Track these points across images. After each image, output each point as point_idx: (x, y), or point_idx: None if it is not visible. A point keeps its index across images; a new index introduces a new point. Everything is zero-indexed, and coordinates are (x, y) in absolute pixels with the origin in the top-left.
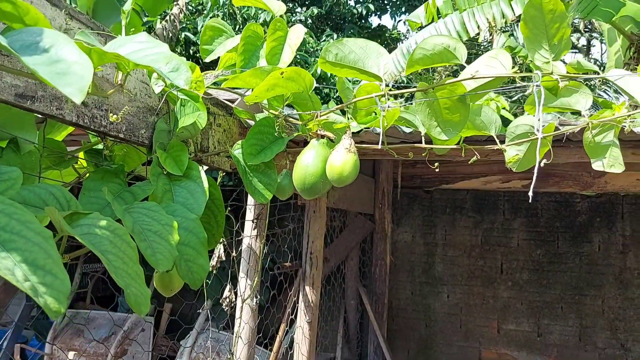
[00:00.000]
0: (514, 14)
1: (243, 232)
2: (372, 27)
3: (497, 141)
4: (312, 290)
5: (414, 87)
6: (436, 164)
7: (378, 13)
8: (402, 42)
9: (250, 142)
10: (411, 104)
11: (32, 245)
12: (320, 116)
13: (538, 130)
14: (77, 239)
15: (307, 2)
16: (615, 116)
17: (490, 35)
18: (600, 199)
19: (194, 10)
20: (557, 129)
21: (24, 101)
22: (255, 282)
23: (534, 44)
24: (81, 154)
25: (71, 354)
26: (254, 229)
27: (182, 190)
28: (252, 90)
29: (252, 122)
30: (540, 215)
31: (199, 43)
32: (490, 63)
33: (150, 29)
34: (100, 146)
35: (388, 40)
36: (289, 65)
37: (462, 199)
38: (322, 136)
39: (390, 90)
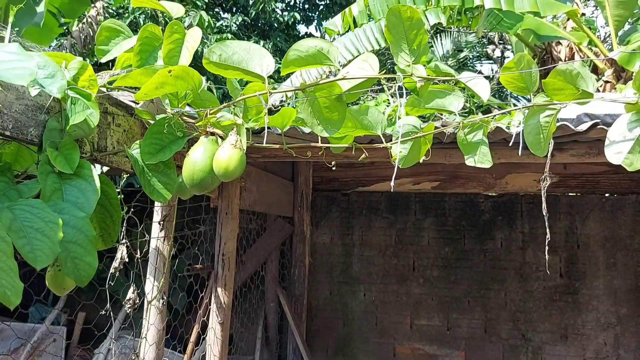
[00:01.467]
0: (429, 24)
1: (149, 234)
2: (300, 34)
3: (383, 140)
4: (224, 291)
5: (296, 87)
6: (333, 163)
7: (304, 22)
8: None
9: (148, 142)
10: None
11: None
12: (210, 114)
13: (399, 127)
14: None
15: (233, 9)
16: (481, 117)
17: None
18: (502, 198)
19: (115, 13)
20: (436, 128)
21: None
22: (162, 282)
23: (396, 48)
24: None
25: None
26: (161, 231)
27: (73, 189)
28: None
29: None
30: (448, 214)
31: None
32: (362, 65)
33: (67, 31)
34: None
35: None
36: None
37: (377, 200)
38: (212, 133)
39: (273, 89)
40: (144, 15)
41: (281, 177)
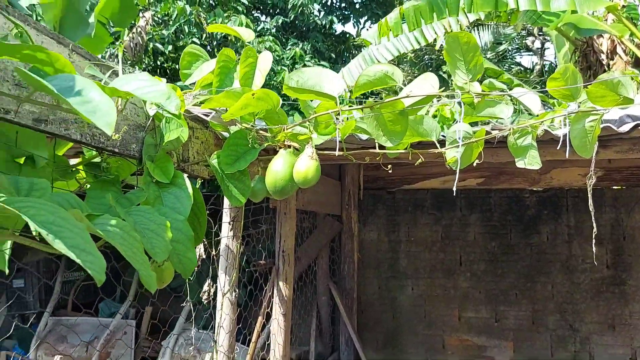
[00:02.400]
0: (468, 21)
1: (221, 233)
2: (336, 34)
3: (437, 145)
4: (285, 285)
5: (364, 103)
6: (389, 166)
7: (342, 21)
8: (365, 49)
9: (226, 153)
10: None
11: (74, 234)
12: (287, 129)
13: (459, 138)
14: (97, 233)
15: (272, 12)
16: (530, 122)
17: None
18: (547, 193)
19: (160, 21)
20: (488, 133)
21: (39, 124)
22: (233, 278)
23: (454, 67)
24: (80, 167)
25: (57, 358)
26: (230, 230)
27: (170, 196)
28: (227, 109)
29: (226, 134)
30: (493, 210)
31: (166, 53)
32: (422, 84)
33: (117, 39)
34: (98, 159)
35: (351, 46)
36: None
37: (423, 198)
38: (289, 146)
39: (343, 107)
40: (188, 24)
41: (330, 177)
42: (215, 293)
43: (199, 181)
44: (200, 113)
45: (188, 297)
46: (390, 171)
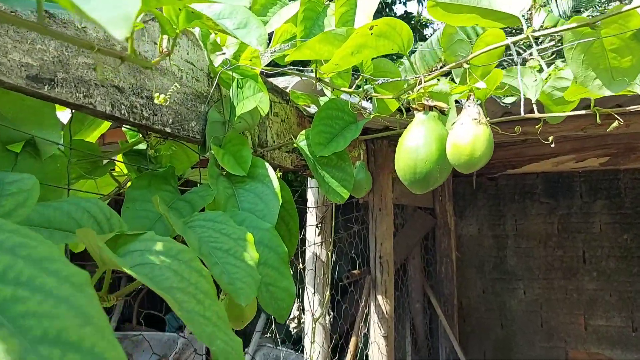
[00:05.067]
0: None
1: (307, 239)
2: (398, 15)
3: None
4: (384, 299)
5: (578, 24)
6: (550, 138)
7: (402, 2)
8: (430, 28)
9: (317, 130)
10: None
11: (56, 303)
12: (425, 81)
13: None
14: (127, 272)
15: None
16: None
17: (529, 12)
18: None
19: None
20: None
21: (39, 86)
22: (327, 297)
23: None
24: (119, 157)
25: None
26: (318, 235)
27: (249, 194)
28: (324, 62)
29: (312, 110)
30: (624, 195)
31: None
32: None
33: None
34: (142, 146)
35: (417, 26)
36: None
37: (532, 183)
38: (431, 107)
39: (533, 31)
40: None
41: None
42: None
43: (278, 173)
44: (278, 83)
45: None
46: (552, 145)
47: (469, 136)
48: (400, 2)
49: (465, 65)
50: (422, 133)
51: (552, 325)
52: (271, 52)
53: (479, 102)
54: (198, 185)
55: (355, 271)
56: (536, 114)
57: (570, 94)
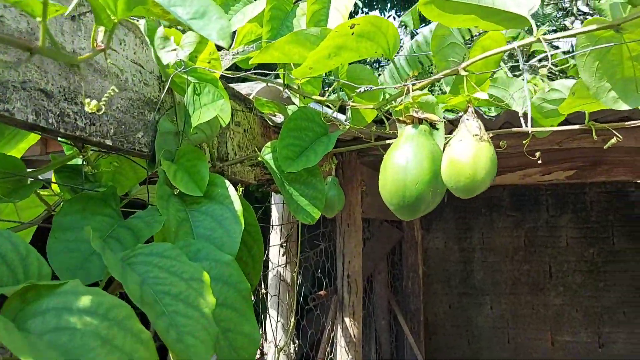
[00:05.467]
0: None
1: (270, 261)
2: None
3: None
4: (352, 321)
5: (599, 26)
6: (537, 154)
7: (366, 10)
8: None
9: (285, 142)
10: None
11: None
12: (414, 90)
13: None
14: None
15: None
16: None
17: None
18: None
19: None
20: None
21: None
22: (292, 323)
23: None
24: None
25: None
26: (283, 255)
27: (205, 219)
28: (293, 66)
29: (277, 119)
30: (590, 209)
31: None
32: None
33: None
34: (78, 161)
35: None
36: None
37: (499, 196)
38: (421, 120)
39: (546, 33)
40: None
41: None
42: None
43: (240, 189)
44: (240, 89)
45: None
46: (539, 162)
47: (470, 154)
48: (362, 12)
49: (463, 72)
50: (411, 150)
51: (519, 342)
52: (233, 55)
53: (474, 114)
54: (148, 207)
55: (321, 292)
56: (524, 128)
57: (566, 107)
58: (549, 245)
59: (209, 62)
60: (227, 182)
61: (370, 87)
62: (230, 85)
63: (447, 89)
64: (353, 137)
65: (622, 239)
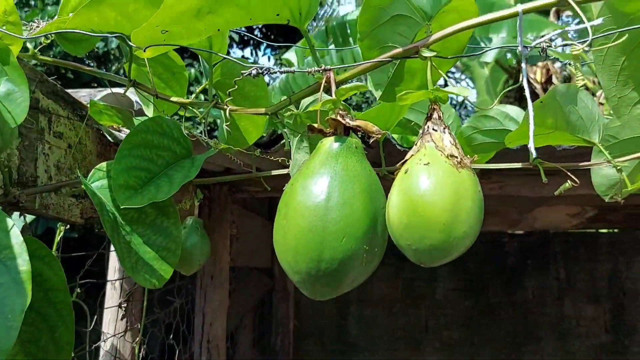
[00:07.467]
0: None
1: (102, 329)
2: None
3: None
4: None
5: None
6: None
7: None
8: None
9: (126, 164)
10: None
11: None
12: (336, 82)
13: None
14: None
15: None
16: None
17: None
18: (531, 238)
19: None
20: None
21: None
22: None
23: None
24: None
25: None
26: (121, 320)
27: None
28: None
29: (123, 134)
30: (466, 259)
31: None
32: None
33: None
34: None
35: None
36: None
37: None
38: (349, 130)
39: None
40: None
41: (257, 215)
42: None
43: (61, 229)
44: (71, 92)
45: None
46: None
47: (445, 190)
48: (235, 47)
49: (427, 53)
50: (335, 178)
51: None
52: (46, 23)
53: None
54: None
55: None
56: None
57: (513, 138)
58: (426, 296)
59: (4, 25)
60: (9, 221)
61: (262, 67)
62: (66, 90)
63: (377, 94)
64: (225, 169)
65: (496, 291)
